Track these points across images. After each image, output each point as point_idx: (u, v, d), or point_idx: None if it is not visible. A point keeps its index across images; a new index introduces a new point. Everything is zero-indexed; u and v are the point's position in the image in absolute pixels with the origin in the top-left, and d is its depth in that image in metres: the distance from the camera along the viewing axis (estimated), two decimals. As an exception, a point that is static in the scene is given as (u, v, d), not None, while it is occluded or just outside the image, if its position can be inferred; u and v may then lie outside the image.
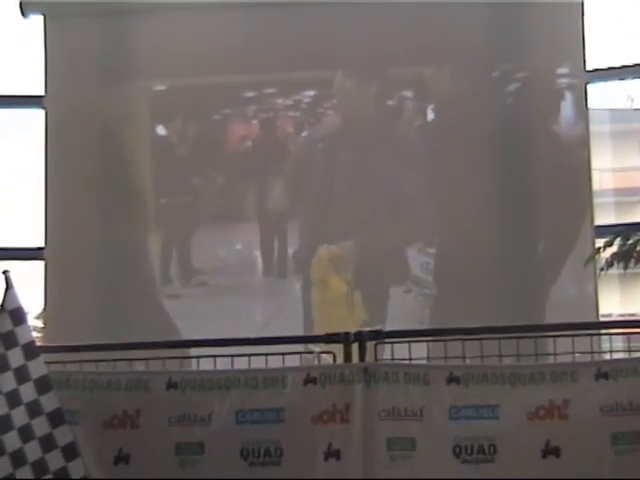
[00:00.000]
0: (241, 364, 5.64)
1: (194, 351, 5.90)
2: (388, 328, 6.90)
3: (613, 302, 8.85)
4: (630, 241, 6.71)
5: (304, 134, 9.03)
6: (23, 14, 8.79)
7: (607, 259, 6.86)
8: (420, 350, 5.54)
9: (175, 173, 8.91)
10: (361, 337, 5.60)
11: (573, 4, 8.53)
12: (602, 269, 6.97)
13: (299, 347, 5.79)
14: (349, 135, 8.78)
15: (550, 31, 8.52)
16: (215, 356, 5.70)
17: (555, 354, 5.53)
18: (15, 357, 5.21)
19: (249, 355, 5.63)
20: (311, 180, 8.82)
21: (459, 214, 8.45)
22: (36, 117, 8.81)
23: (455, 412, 5.28)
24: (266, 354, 5.62)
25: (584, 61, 8.55)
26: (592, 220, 8.38)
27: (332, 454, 5.31)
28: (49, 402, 5.23)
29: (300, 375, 5.42)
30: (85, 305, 8.48)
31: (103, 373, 5.64)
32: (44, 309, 8.62)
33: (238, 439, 5.39)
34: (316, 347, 5.75)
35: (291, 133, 9.01)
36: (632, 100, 9.99)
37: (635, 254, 6.68)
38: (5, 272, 5.37)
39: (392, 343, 5.57)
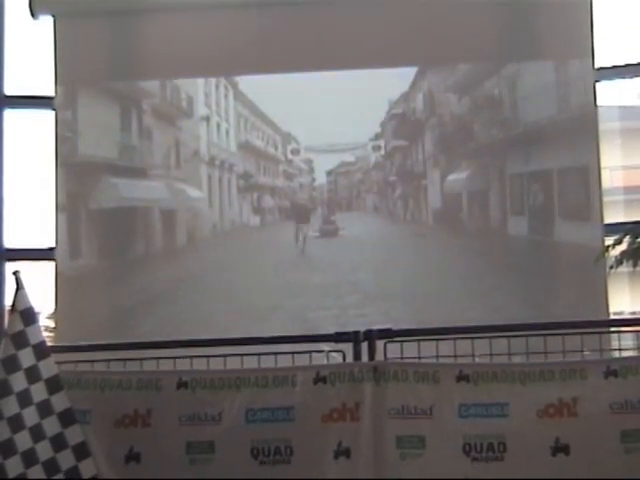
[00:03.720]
0: (251, 363, 5.66)
1: (204, 350, 5.90)
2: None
3: (623, 300, 8.82)
4: (639, 239, 6.68)
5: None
6: (33, 15, 8.81)
7: (616, 257, 6.84)
8: (429, 348, 5.54)
9: (187, 174, 8.93)
10: (370, 336, 5.61)
11: (582, 2, 8.53)
12: (611, 267, 6.94)
13: (309, 346, 5.78)
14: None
15: (560, 29, 8.52)
16: (225, 355, 5.71)
17: (564, 352, 5.53)
18: (26, 357, 5.23)
19: (259, 354, 5.64)
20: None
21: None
22: (46, 118, 8.84)
23: (464, 410, 5.29)
24: (275, 353, 5.63)
25: (593, 59, 8.56)
26: (602, 218, 8.38)
27: (342, 452, 5.33)
28: (60, 402, 5.26)
29: (310, 374, 5.43)
30: (96, 305, 8.50)
31: (114, 372, 5.65)
32: (55, 309, 8.64)
33: (248, 438, 5.42)
34: (326, 346, 5.75)
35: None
36: (643, 97, 9.94)
37: (644, 252, 6.64)
38: (15, 273, 5.39)
39: (401, 342, 5.56)
